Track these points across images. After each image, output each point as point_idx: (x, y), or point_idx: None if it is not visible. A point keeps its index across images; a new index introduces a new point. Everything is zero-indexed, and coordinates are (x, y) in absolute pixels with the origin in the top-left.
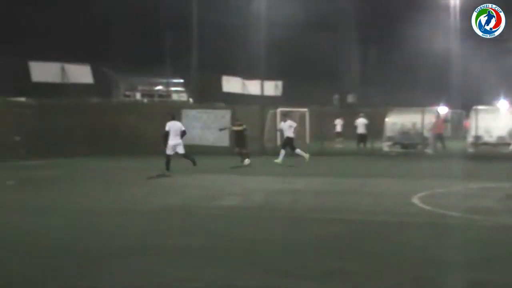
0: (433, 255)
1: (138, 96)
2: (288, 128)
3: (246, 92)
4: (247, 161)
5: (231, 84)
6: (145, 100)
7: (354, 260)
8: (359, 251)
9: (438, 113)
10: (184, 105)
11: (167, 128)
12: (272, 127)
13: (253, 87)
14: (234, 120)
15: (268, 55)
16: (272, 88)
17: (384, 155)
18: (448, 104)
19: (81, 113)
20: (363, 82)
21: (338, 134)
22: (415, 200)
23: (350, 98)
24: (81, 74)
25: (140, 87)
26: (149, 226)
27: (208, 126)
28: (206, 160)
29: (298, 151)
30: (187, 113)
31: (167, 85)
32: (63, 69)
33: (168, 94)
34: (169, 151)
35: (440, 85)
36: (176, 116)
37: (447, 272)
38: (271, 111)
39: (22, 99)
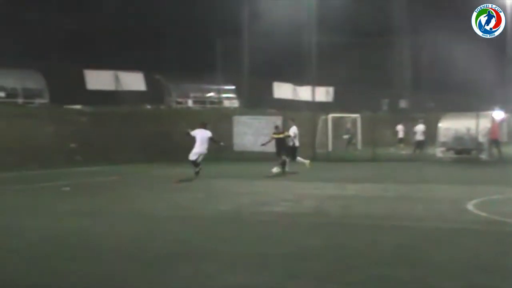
0: (487, 262)
1: (190, 103)
2: (293, 135)
3: (297, 98)
4: (275, 169)
5: (282, 90)
6: (197, 107)
7: (406, 266)
8: (411, 257)
9: (493, 117)
10: (235, 111)
11: (192, 134)
12: (323, 133)
13: (304, 93)
14: (283, 126)
15: (319, 60)
16: (323, 94)
17: (438, 161)
18: (504, 108)
19: (134, 120)
20: (416, 87)
21: (401, 140)
22: (470, 206)
23: (402, 104)
24: (134, 81)
25: (192, 94)
26: (202, 231)
27: (259, 132)
28: (257, 166)
29: (299, 159)
30: (238, 119)
31: (219, 91)
32: (116, 77)
33: (220, 100)
34: (193, 157)
35: (496, 89)
36: (207, 125)
37: (501, 280)
38: (322, 117)
39: (78, 106)
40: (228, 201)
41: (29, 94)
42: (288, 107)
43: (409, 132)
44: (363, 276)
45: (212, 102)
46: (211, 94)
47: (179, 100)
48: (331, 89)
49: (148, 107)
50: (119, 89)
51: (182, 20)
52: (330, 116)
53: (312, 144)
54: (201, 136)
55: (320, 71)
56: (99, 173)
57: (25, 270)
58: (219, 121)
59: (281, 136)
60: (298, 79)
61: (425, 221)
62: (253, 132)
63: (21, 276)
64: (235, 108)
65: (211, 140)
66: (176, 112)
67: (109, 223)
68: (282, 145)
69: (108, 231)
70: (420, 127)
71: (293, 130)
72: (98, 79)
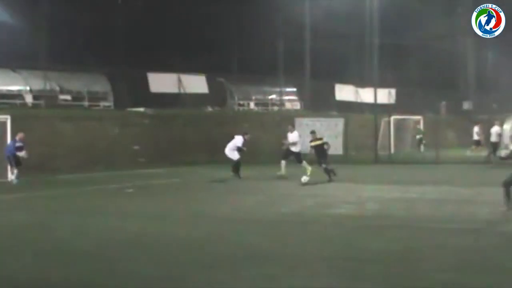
0: None
1: (252, 105)
2: (297, 140)
3: (359, 100)
4: (304, 179)
5: (344, 92)
6: (259, 109)
7: (473, 272)
8: (477, 262)
9: None
10: (297, 113)
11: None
12: (386, 135)
13: (366, 95)
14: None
15: (382, 62)
16: (385, 95)
17: (502, 164)
18: None
19: (197, 123)
20: (480, 88)
21: (477, 142)
22: None
23: (466, 105)
24: (197, 84)
25: (254, 97)
26: (265, 234)
27: (321, 134)
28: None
29: (283, 162)
30: (300, 121)
31: (281, 94)
32: (179, 80)
33: (281, 103)
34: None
35: None
36: (247, 134)
37: None
38: (384, 119)
39: (141, 109)
40: (290, 203)
41: (95, 97)
42: (350, 109)
43: (465, 133)
44: (429, 281)
45: (273, 104)
46: (273, 96)
47: (241, 102)
48: (393, 91)
49: (210, 109)
50: (182, 91)
51: (244, 23)
52: (392, 118)
53: (374, 146)
54: (231, 142)
55: (382, 72)
56: (162, 175)
57: (91, 270)
58: (280, 123)
59: (318, 143)
60: (360, 81)
61: (490, 224)
62: None
63: (87, 276)
64: (296, 110)
65: (238, 148)
66: (238, 115)
67: (172, 225)
68: (321, 152)
69: (171, 233)
70: (495, 129)
71: (295, 136)
72: (161, 82)
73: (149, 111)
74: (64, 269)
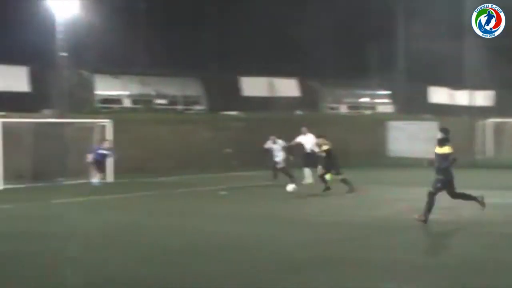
0: None
1: (343, 108)
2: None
3: (454, 103)
4: (290, 187)
5: (438, 95)
6: (351, 113)
7: None
8: None
9: None
10: (389, 117)
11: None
12: (483, 139)
13: (461, 97)
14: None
15: (479, 63)
16: (483, 98)
17: None
18: None
19: (288, 126)
20: None
21: None
22: None
23: None
24: (288, 87)
25: (345, 100)
26: (354, 238)
27: (414, 138)
28: (411, 172)
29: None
30: (392, 125)
31: (373, 97)
32: (271, 83)
33: (373, 106)
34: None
35: None
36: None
37: None
38: (482, 122)
39: (234, 113)
40: (380, 208)
41: (189, 101)
42: (444, 112)
43: None
44: None
45: (365, 108)
46: (365, 99)
47: (333, 105)
48: (491, 93)
49: (301, 113)
50: (274, 95)
51: (335, 24)
52: (490, 121)
53: (471, 150)
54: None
55: (480, 74)
56: (254, 178)
57: (188, 271)
58: (373, 126)
59: (326, 148)
60: (455, 83)
61: None
62: (408, 138)
63: (184, 276)
64: (389, 114)
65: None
66: (330, 118)
67: (264, 228)
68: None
69: (263, 235)
70: None
71: (309, 140)
72: (253, 86)
73: (242, 114)
74: (161, 269)
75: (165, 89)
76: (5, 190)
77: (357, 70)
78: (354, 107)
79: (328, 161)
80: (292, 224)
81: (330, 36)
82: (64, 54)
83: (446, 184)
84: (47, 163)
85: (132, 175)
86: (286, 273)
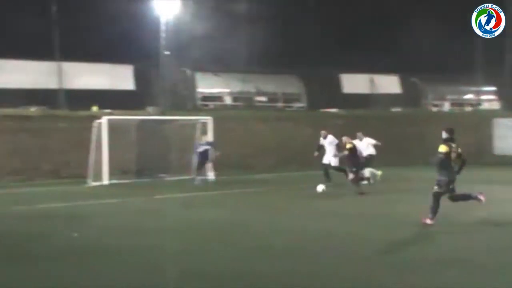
0: None
1: (446, 105)
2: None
3: None
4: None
5: None
6: (454, 109)
7: None
8: None
9: None
10: (495, 114)
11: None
12: None
13: None
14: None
15: None
16: None
17: None
18: None
19: (389, 123)
20: None
21: None
22: None
23: None
24: (389, 84)
25: (448, 96)
26: (463, 238)
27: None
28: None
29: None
30: (499, 122)
31: (478, 93)
32: (372, 80)
33: (478, 102)
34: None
35: None
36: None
37: None
38: None
39: (334, 110)
40: (489, 208)
41: (288, 98)
42: None
43: None
44: None
45: (470, 105)
46: (469, 96)
47: (435, 102)
48: None
49: (400, 110)
50: (374, 92)
51: (437, 18)
52: None
53: None
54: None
55: None
56: None
57: (289, 267)
58: (477, 124)
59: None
60: None
61: None
62: None
63: (285, 272)
64: (495, 110)
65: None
66: (432, 115)
67: (366, 227)
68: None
69: (362, 233)
70: None
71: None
72: (353, 83)
73: (342, 111)
74: (263, 264)
75: (265, 87)
76: (110, 185)
77: (461, 66)
78: (457, 104)
79: (353, 160)
80: (396, 224)
81: (432, 31)
82: (167, 53)
83: (446, 185)
84: (150, 159)
85: (232, 172)
86: (392, 273)
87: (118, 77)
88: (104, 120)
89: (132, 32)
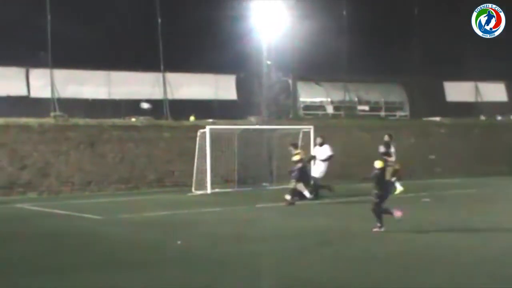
0: None
1: None
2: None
3: None
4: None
5: None
6: None
7: None
8: None
9: None
10: None
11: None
12: None
13: None
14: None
15: None
16: None
17: None
18: None
19: (496, 132)
20: None
21: None
22: None
23: None
24: (495, 92)
25: None
26: None
27: None
28: None
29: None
30: None
31: None
32: (476, 88)
33: None
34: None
35: None
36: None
37: None
38: None
39: (437, 118)
40: None
41: (391, 107)
42: None
43: None
44: None
45: None
46: None
47: None
48: None
49: (503, 118)
50: (479, 100)
51: None
52: None
53: None
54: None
55: None
56: (458, 185)
57: (385, 278)
58: None
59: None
60: None
61: None
62: None
63: (380, 284)
64: None
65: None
66: None
67: (467, 237)
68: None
69: (466, 245)
70: None
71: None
72: (457, 91)
73: (446, 120)
74: (364, 274)
75: (368, 95)
76: (213, 194)
77: None
78: None
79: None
80: (498, 235)
81: None
82: (269, 62)
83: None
84: (252, 168)
85: (334, 181)
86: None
87: (222, 87)
88: (207, 129)
89: (234, 41)
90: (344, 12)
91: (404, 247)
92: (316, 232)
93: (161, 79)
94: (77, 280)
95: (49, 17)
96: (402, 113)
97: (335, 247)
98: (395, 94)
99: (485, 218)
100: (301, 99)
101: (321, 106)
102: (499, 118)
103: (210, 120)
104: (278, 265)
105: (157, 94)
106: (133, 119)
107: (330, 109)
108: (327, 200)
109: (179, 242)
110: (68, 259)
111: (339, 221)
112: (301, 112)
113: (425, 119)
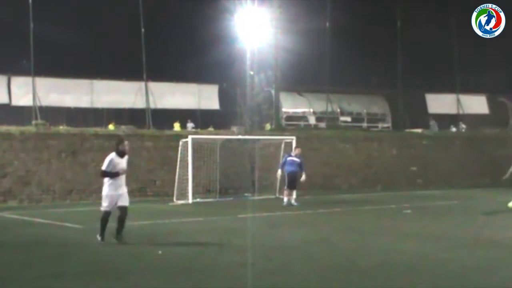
0: None
1: None
2: None
3: None
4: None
5: None
6: None
7: None
8: None
9: None
10: None
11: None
12: None
13: None
14: None
15: None
16: None
17: None
18: None
19: (476, 144)
20: None
21: None
22: None
23: None
24: (476, 104)
25: None
26: None
27: None
28: None
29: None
30: None
31: None
32: (458, 100)
33: None
34: None
35: None
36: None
37: None
38: None
39: (418, 130)
40: None
41: (373, 118)
42: None
43: None
44: None
45: None
46: None
47: None
48: None
49: (490, 130)
50: (461, 112)
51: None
52: None
53: None
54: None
55: None
56: (439, 196)
57: None
58: None
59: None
60: None
61: None
62: None
63: None
64: None
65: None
66: None
67: (449, 249)
68: None
69: (448, 256)
70: None
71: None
72: (439, 103)
73: (427, 132)
74: (349, 284)
75: (350, 107)
76: (194, 203)
77: None
78: None
79: None
80: (481, 246)
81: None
82: (252, 72)
83: None
84: (234, 178)
85: (315, 192)
86: None
87: (205, 96)
88: (189, 139)
89: (217, 52)
90: (327, 24)
91: (387, 257)
92: (298, 242)
93: (144, 88)
94: None
95: (32, 25)
96: (385, 125)
97: (317, 257)
98: (378, 106)
99: (467, 230)
100: (284, 109)
101: (303, 117)
102: (453, 129)
103: (193, 130)
104: (261, 275)
105: (140, 103)
106: (110, 126)
107: (312, 120)
108: (309, 211)
109: (160, 252)
110: (48, 268)
111: (322, 232)
112: (283, 122)
113: (407, 130)
